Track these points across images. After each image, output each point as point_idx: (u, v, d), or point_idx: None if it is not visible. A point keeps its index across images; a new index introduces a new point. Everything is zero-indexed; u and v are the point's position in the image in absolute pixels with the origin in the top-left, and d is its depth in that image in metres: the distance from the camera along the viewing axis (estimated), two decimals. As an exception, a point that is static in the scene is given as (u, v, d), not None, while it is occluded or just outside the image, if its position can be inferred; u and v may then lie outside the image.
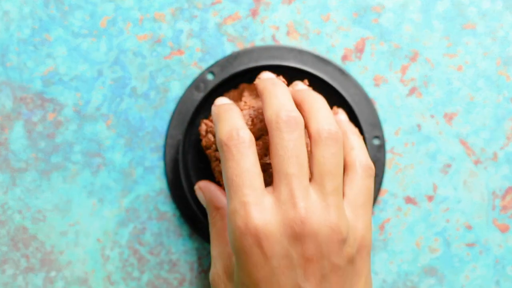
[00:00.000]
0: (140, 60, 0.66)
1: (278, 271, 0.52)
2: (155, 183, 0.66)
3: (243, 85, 0.64)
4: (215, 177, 0.62)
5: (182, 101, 0.65)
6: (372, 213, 0.66)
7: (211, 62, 0.66)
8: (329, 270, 0.52)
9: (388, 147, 0.66)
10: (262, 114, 0.59)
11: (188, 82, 0.66)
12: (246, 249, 0.52)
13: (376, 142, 0.65)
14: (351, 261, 0.53)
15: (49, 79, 0.66)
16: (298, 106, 0.57)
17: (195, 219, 0.65)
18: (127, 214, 0.66)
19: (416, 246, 0.66)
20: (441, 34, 0.66)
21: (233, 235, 0.52)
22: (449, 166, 0.66)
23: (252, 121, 0.61)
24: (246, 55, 0.65)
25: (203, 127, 0.63)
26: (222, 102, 0.58)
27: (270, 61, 0.64)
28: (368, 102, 0.65)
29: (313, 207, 0.52)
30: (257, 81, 0.58)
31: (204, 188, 0.62)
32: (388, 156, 0.66)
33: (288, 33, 0.66)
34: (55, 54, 0.66)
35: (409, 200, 0.66)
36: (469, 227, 0.66)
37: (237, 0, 0.66)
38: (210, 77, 0.65)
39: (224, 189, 0.62)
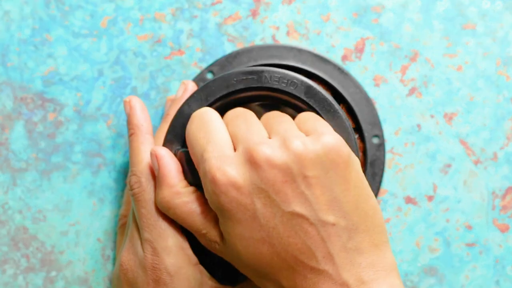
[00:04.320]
0: (141, 60, 0.66)
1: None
2: (155, 183, 0.66)
3: None
4: None
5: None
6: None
7: (211, 62, 0.66)
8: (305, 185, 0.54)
9: (388, 147, 0.66)
10: None
11: (188, 82, 0.66)
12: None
13: (375, 140, 0.65)
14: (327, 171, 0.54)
15: (50, 79, 0.66)
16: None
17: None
18: (127, 214, 0.66)
19: (416, 246, 0.66)
20: (441, 34, 0.66)
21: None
22: (449, 166, 0.66)
23: None
24: (246, 54, 0.65)
25: None
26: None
27: (269, 60, 0.65)
28: (367, 101, 0.65)
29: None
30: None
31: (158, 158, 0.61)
32: (388, 156, 0.66)
33: (288, 33, 0.66)
34: (56, 54, 0.66)
35: (409, 200, 0.66)
36: (469, 227, 0.66)
37: (237, 0, 0.66)
38: (209, 76, 0.65)
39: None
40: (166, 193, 0.57)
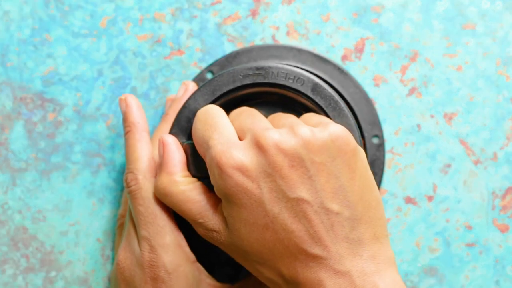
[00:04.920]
0: (140, 60, 0.66)
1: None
2: (155, 183, 0.66)
3: None
4: None
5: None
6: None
7: (211, 62, 0.66)
8: (315, 170, 0.53)
9: (388, 147, 0.66)
10: None
11: (188, 82, 0.66)
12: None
13: (375, 140, 0.65)
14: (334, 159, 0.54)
15: (49, 79, 0.66)
16: None
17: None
18: (127, 214, 0.66)
19: (416, 246, 0.66)
20: (441, 34, 0.66)
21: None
22: (449, 166, 0.66)
23: None
24: (245, 54, 0.65)
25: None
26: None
27: (269, 60, 0.64)
28: (367, 101, 0.65)
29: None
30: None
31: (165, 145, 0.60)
32: (388, 156, 0.66)
33: (288, 33, 0.66)
34: (55, 54, 0.66)
35: (409, 200, 0.66)
36: (469, 227, 0.66)
37: (237, 0, 0.66)
38: (209, 76, 0.65)
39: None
40: (165, 180, 0.57)
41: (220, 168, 0.54)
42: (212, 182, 0.55)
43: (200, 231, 0.57)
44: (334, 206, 0.53)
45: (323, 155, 0.53)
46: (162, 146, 0.58)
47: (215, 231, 0.56)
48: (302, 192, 0.53)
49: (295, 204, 0.53)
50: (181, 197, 0.57)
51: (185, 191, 0.57)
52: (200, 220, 0.56)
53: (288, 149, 0.53)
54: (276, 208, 0.53)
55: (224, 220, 0.56)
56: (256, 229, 0.54)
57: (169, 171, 0.58)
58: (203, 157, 0.57)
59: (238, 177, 0.53)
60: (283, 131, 0.54)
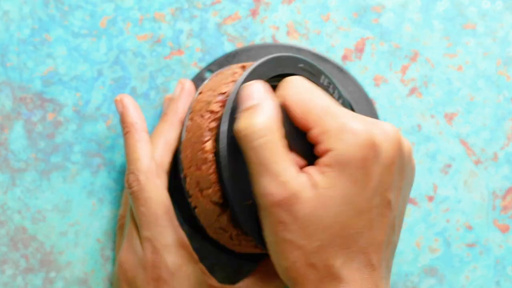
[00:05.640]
0: (140, 60, 0.66)
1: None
2: (155, 183, 0.66)
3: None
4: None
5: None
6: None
7: (211, 62, 0.66)
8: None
9: (388, 147, 0.66)
10: None
11: (188, 82, 0.66)
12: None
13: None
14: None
15: (49, 79, 0.66)
16: None
17: (194, 219, 0.65)
18: (126, 214, 0.66)
19: (416, 246, 0.66)
20: (441, 34, 0.66)
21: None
22: (449, 166, 0.66)
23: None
24: (245, 54, 0.65)
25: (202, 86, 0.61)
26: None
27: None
28: (366, 99, 0.65)
29: None
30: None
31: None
32: (388, 156, 0.66)
33: (288, 33, 0.66)
34: (55, 54, 0.66)
35: (409, 200, 0.66)
36: (469, 227, 0.66)
37: (237, 0, 0.66)
38: (208, 75, 0.65)
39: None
40: (261, 120, 0.52)
41: (369, 143, 0.51)
42: (341, 146, 0.50)
43: (267, 190, 0.50)
44: (397, 222, 0.54)
45: (409, 163, 0.55)
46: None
47: (294, 193, 0.50)
48: (393, 196, 0.52)
49: (385, 205, 0.52)
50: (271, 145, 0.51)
51: (277, 139, 0.51)
52: (282, 179, 0.50)
53: (405, 147, 0.53)
54: (376, 200, 0.51)
55: (312, 185, 0.51)
56: (352, 210, 0.51)
57: (270, 115, 0.52)
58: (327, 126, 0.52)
59: (369, 153, 0.51)
60: (396, 129, 0.53)
